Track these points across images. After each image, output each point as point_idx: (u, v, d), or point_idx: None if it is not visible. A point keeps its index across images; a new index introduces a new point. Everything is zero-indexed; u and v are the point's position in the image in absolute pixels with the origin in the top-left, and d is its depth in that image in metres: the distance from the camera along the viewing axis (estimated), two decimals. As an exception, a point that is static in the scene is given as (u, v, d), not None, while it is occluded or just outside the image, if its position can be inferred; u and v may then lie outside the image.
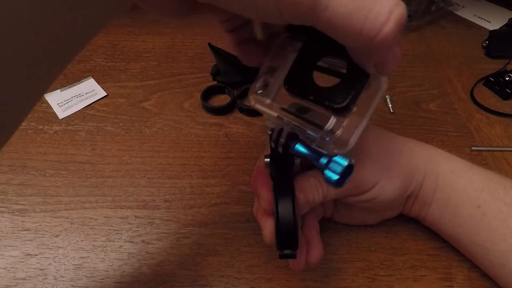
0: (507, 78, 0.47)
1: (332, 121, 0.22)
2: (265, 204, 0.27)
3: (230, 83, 0.47)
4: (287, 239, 0.23)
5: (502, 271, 0.28)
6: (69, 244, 0.33)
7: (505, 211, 0.28)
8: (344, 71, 0.21)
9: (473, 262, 0.31)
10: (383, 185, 0.28)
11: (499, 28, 0.54)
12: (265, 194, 0.27)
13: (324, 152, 0.22)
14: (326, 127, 0.21)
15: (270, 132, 0.25)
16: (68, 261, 0.32)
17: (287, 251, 0.23)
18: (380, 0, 0.15)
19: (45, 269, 0.31)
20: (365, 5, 0.15)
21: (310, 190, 0.27)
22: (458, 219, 0.30)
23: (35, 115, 0.44)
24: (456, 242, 0.32)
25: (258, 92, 0.24)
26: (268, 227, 0.27)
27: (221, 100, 0.47)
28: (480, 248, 0.29)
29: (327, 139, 0.21)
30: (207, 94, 0.46)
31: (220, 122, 0.44)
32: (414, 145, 0.31)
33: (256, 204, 0.30)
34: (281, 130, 0.24)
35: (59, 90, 0.47)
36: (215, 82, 0.48)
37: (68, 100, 0.45)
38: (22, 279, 0.31)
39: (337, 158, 0.21)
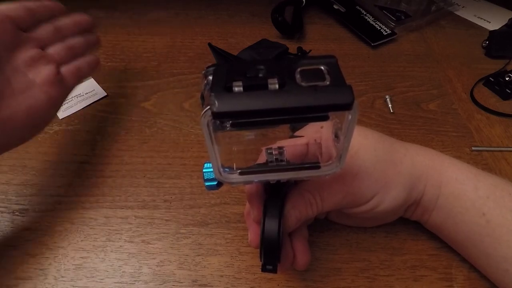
0: (507, 78, 0.47)
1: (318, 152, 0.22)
2: (255, 214, 0.27)
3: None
4: (270, 257, 0.25)
5: (505, 276, 0.28)
6: (69, 244, 0.33)
7: (510, 218, 0.27)
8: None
9: (473, 263, 0.31)
10: (381, 197, 0.28)
11: (499, 28, 0.54)
12: (255, 205, 0.27)
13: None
14: (321, 163, 0.22)
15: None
16: (68, 261, 0.32)
17: (268, 267, 0.25)
18: None
19: (45, 269, 0.31)
20: None
21: (304, 207, 0.27)
22: (461, 226, 0.29)
23: (35, 115, 0.44)
24: (458, 247, 0.31)
25: (222, 173, 0.22)
26: (254, 233, 0.28)
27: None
28: (483, 254, 0.29)
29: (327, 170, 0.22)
30: (207, 94, 0.46)
31: (220, 122, 0.44)
32: (416, 152, 0.30)
33: (247, 206, 0.30)
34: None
35: (59, 90, 0.47)
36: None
37: (68, 100, 0.45)
38: (22, 279, 0.31)
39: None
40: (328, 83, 0.17)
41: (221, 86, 0.17)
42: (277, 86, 0.17)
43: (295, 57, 0.18)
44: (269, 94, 0.17)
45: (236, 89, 0.17)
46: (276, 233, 0.24)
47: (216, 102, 0.16)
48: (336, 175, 0.22)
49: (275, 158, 0.23)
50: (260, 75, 0.17)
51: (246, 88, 0.17)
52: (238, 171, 0.22)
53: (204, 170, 0.25)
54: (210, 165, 0.22)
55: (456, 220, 0.29)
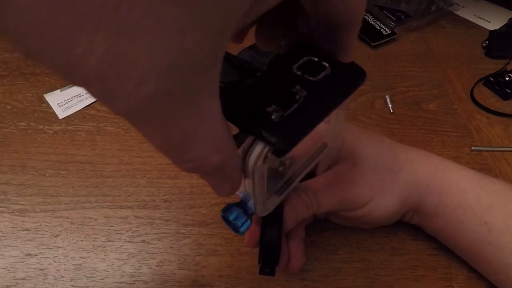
0: (507, 78, 0.47)
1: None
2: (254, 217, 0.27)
3: (229, 82, 0.46)
4: (269, 262, 0.25)
5: (506, 281, 0.28)
6: (69, 244, 0.33)
7: None
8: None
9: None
10: (374, 204, 0.28)
11: (499, 28, 0.54)
12: None
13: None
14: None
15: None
16: (68, 261, 0.32)
17: (267, 270, 0.25)
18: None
19: (45, 269, 0.31)
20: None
21: (301, 208, 0.27)
22: (462, 233, 0.29)
23: (35, 115, 0.44)
24: (458, 252, 0.31)
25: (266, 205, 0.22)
26: (251, 235, 0.27)
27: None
28: (485, 260, 0.28)
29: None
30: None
31: (220, 122, 0.44)
32: (417, 158, 0.30)
33: None
34: None
35: (59, 90, 0.47)
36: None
37: (68, 100, 0.45)
38: (22, 279, 0.31)
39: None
40: (329, 66, 0.17)
41: (258, 115, 0.15)
42: (304, 93, 0.16)
43: (280, 56, 0.17)
44: (308, 107, 0.16)
45: (274, 115, 0.15)
46: (277, 239, 0.24)
47: (277, 140, 0.15)
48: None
49: (288, 164, 0.23)
50: (279, 86, 0.17)
51: (282, 111, 0.16)
52: (275, 194, 0.22)
53: (231, 220, 0.23)
54: (232, 210, 0.22)
55: (457, 228, 0.29)
